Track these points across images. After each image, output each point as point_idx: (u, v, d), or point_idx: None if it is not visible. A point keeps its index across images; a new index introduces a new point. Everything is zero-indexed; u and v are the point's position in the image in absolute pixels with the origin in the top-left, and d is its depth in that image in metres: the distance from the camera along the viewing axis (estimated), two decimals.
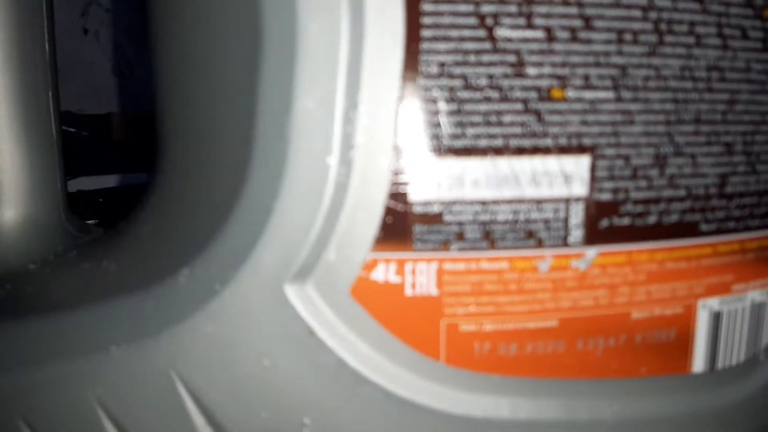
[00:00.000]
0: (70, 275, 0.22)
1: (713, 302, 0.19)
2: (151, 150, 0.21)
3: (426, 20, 0.16)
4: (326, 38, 0.16)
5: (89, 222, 0.28)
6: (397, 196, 0.16)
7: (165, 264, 0.18)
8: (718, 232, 0.18)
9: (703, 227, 0.18)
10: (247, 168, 0.17)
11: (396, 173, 0.16)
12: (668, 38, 0.17)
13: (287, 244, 0.17)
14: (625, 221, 0.17)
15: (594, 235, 0.17)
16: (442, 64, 0.16)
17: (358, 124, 0.16)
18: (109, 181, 0.46)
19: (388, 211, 0.16)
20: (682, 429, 0.19)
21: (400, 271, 0.17)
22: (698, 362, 0.19)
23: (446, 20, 0.16)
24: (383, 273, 0.17)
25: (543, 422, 0.18)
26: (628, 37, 0.16)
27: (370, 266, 0.17)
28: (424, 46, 0.16)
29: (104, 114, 0.57)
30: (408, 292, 0.17)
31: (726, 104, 0.18)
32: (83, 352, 0.18)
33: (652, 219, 0.18)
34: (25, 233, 0.24)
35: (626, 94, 0.17)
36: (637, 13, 0.16)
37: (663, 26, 0.17)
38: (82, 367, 0.18)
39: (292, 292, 0.17)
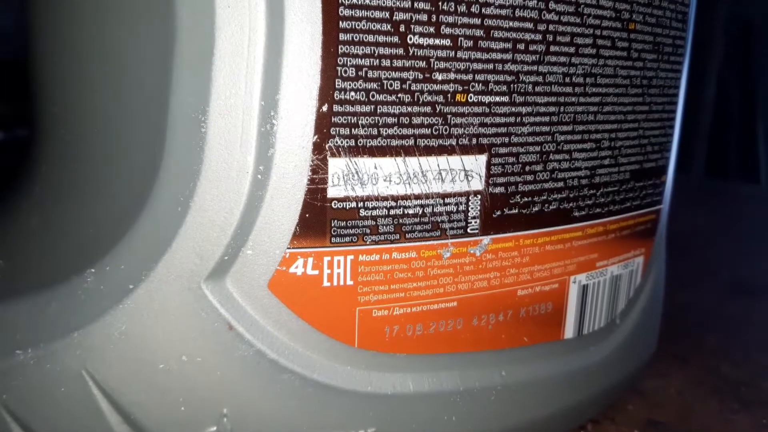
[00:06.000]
0: None
1: (581, 277, 0.22)
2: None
3: (344, 24, 0.16)
4: (244, 38, 0.16)
5: None
6: (315, 192, 0.17)
7: (67, 263, 0.17)
8: (587, 217, 0.21)
9: (576, 214, 0.21)
10: (160, 165, 0.16)
11: (314, 171, 0.17)
12: (553, 48, 0.19)
13: (204, 242, 0.17)
14: (514, 211, 0.19)
15: (488, 224, 0.19)
16: (358, 68, 0.16)
17: (277, 124, 0.16)
18: None
19: (306, 207, 0.17)
20: (557, 387, 0.22)
21: (318, 264, 0.17)
22: (569, 329, 0.22)
23: (362, 25, 0.16)
24: (301, 266, 0.17)
25: (442, 393, 0.20)
26: (521, 46, 0.18)
27: (289, 260, 0.17)
28: (342, 49, 0.16)
29: None
30: (325, 283, 0.18)
31: (597, 106, 0.20)
32: None
33: (536, 208, 0.20)
34: None
35: (518, 98, 0.18)
36: (530, 25, 0.18)
37: (549, 37, 0.18)
38: None
39: (209, 288, 0.17)
